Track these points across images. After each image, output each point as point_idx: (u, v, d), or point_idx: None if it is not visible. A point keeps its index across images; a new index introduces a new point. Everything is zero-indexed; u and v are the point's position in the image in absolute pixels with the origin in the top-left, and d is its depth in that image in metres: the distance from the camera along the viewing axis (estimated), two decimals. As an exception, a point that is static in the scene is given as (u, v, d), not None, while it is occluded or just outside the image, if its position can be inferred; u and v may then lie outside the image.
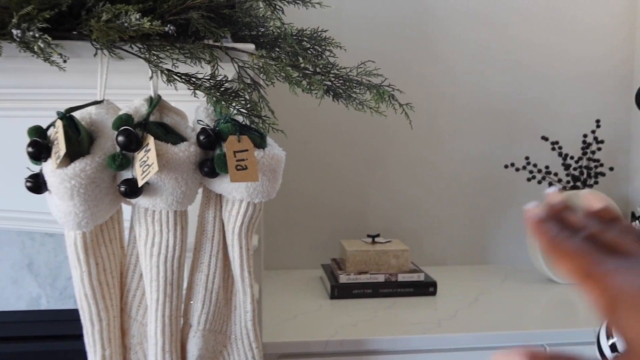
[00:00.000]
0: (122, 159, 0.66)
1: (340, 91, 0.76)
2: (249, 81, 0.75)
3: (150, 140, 0.66)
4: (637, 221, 1.39)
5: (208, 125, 0.71)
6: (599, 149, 1.44)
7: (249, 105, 0.71)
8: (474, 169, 1.57)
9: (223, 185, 0.72)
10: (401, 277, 1.32)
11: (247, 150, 0.69)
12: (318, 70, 0.76)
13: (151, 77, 0.70)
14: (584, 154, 1.43)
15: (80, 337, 0.94)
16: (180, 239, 0.73)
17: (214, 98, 0.69)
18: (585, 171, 1.42)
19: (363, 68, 0.74)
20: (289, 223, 1.53)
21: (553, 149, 1.43)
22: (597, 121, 1.44)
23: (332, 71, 0.76)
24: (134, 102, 0.72)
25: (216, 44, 0.74)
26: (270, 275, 1.48)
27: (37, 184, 0.68)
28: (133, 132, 0.66)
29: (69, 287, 0.95)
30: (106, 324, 0.75)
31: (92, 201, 0.67)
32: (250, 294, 0.78)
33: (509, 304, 1.25)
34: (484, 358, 1.09)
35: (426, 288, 1.32)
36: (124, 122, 0.67)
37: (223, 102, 0.69)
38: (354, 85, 0.75)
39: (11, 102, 0.85)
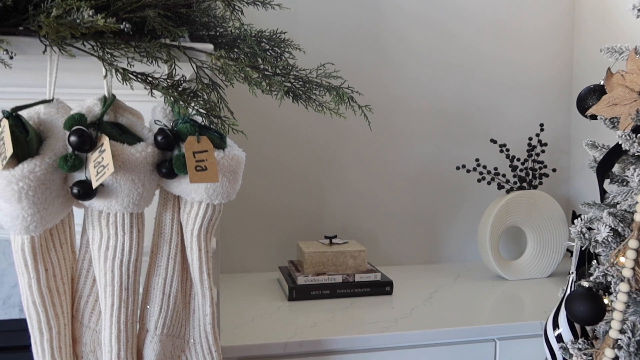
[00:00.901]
0: (75, 160, 0.64)
1: (300, 92, 0.76)
2: (207, 81, 0.74)
3: (105, 140, 0.64)
4: (577, 219, 1.47)
5: (166, 126, 0.69)
6: (543, 151, 1.52)
7: (207, 106, 0.70)
8: (427, 170, 1.61)
9: (182, 186, 0.71)
10: (358, 277, 1.33)
11: (206, 151, 0.68)
12: (278, 71, 0.76)
13: (105, 76, 0.68)
14: (529, 156, 1.50)
15: (26, 348, 0.90)
16: (137, 242, 0.71)
17: (171, 98, 0.68)
18: (530, 172, 1.49)
19: (323, 70, 0.74)
20: (245, 225, 1.52)
21: (501, 151, 1.48)
22: (541, 125, 1.51)
23: (291, 73, 0.76)
24: (86, 102, 0.70)
25: (173, 43, 0.72)
26: (227, 278, 1.46)
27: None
28: (86, 132, 0.64)
29: (13, 295, 0.90)
30: (56, 333, 0.71)
31: (41, 204, 0.65)
32: (210, 297, 0.77)
33: (462, 301, 1.29)
34: (439, 354, 1.11)
35: (383, 287, 1.34)
36: (76, 121, 0.64)
37: (181, 102, 0.68)
38: (314, 87, 0.75)
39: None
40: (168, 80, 0.71)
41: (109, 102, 0.70)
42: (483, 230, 1.46)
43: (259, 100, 0.84)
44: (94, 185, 0.63)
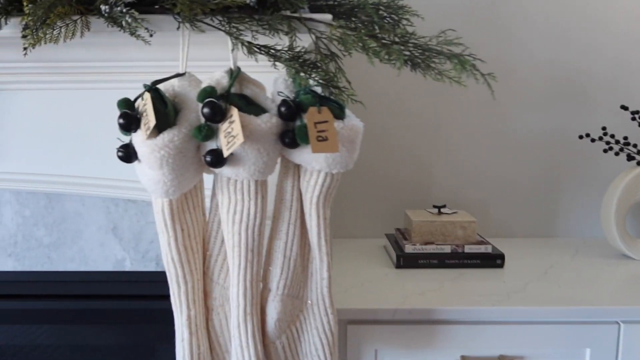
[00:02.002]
0: (208, 130, 0.68)
1: (419, 61, 0.74)
2: (325, 52, 0.75)
3: (234, 112, 0.67)
4: None
5: (288, 97, 0.72)
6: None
7: (327, 77, 0.71)
8: (544, 139, 1.51)
9: (303, 155, 0.73)
10: (468, 249, 1.31)
11: (327, 121, 0.69)
12: (397, 40, 0.74)
13: (232, 50, 0.71)
14: (668, 123, 1.34)
15: (160, 297, 1.00)
16: (261, 208, 0.75)
17: (293, 70, 0.70)
18: (668, 141, 1.34)
19: (443, 37, 0.72)
20: (353, 192, 1.54)
21: (633, 119, 1.35)
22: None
23: (410, 40, 0.74)
24: (214, 75, 0.74)
25: (294, 14, 0.74)
26: (336, 243, 1.50)
27: (127, 154, 0.72)
28: (217, 104, 0.68)
29: (151, 250, 1.00)
30: (191, 286, 0.79)
31: (179, 170, 0.70)
32: (327, 262, 0.80)
33: (581, 279, 1.22)
34: (555, 333, 1.07)
35: (493, 260, 1.30)
36: (208, 94, 0.69)
37: (303, 74, 0.70)
38: (434, 55, 0.73)
39: (97, 74, 0.90)
40: (289, 52, 0.73)
41: (235, 74, 0.73)
42: (608, 204, 1.35)
43: (367, 70, 0.84)
44: (225, 154, 0.67)
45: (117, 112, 0.76)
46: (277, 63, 0.72)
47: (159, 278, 1.00)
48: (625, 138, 1.36)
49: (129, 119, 0.70)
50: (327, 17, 0.75)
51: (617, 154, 1.36)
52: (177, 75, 0.75)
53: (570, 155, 1.52)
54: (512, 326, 1.07)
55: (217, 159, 0.69)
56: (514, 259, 1.34)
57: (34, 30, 0.69)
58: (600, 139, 1.37)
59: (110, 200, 0.99)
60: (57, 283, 1.01)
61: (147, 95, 0.69)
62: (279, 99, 0.73)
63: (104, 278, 1.01)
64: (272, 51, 0.72)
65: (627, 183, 1.32)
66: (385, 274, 1.26)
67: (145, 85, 0.72)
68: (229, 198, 0.75)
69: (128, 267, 1.01)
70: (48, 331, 1.03)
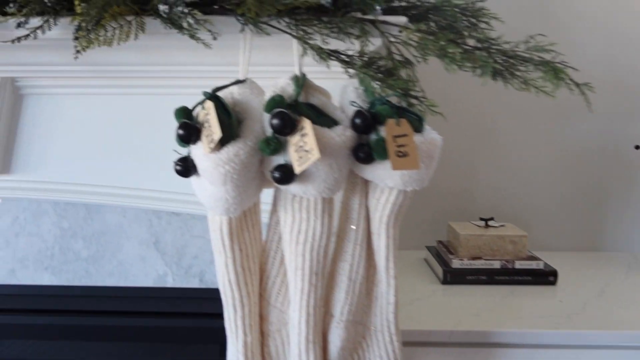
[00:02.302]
0: (277, 144, 0.62)
1: (502, 69, 0.68)
2: (399, 58, 0.69)
3: (307, 123, 0.61)
4: None
5: (361, 107, 0.65)
6: None
7: (405, 85, 0.65)
8: (596, 148, 1.44)
9: (376, 171, 0.67)
10: (518, 265, 1.24)
11: (406, 135, 0.63)
12: (479, 45, 0.68)
13: (303, 55, 0.65)
14: None
15: (203, 315, 0.94)
16: (327, 227, 0.69)
17: (369, 77, 0.63)
18: None
19: (533, 43, 0.65)
20: (392, 202, 1.47)
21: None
22: None
23: (493, 46, 0.68)
24: (278, 82, 0.68)
25: (367, 17, 0.68)
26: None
27: (185, 168, 0.66)
28: (288, 115, 0.62)
29: (194, 266, 0.95)
30: (248, 311, 0.73)
31: (242, 186, 0.64)
32: (394, 286, 0.74)
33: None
34: (619, 357, 1.00)
35: (545, 277, 1.23)
36: (277, 103, 0.63)
37: (379, 82, 0.63)
38: (519, 62, 0.67)
39: (145, 79, 0.84)
40: (362, 58, 0.66)
41: (302, 81, 0.67)
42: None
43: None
44: (297, 170, 0.61)
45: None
46: (349, 70, 0.65)
47: (203, 295, 0.95)
48: (686, 149, 1.28)
49: (189, 130, 0.64)
50: (402, 19, 0.69)
51: (676, 165, 1.28)
52: (237, 82, 0.69)
53: (622, 165, 1.44)
54: (574, 350, 1.00)
55: (286, 176, 0.63)
56: (565, 275, 1.26)
57: (87, 32, 0.63)
58: (659, 149, 1.29)
59: (153, 213, 0.94)
60: (95, 298, 0.96)
61: (210, 105, 0.63)
62: (350, 109, 0.67)
63: (144, 294, 0.95)
64: (343, 57, 0.66)
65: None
66: (433, 290, 1.19)
67: (205, 93, 0.66)
68: (293, 216, 0.69)
69: (170, 283, 0.95)
70: (85, 349, 0.97)
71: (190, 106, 0.67)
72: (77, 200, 0.91)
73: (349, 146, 0.64)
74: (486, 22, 0.72)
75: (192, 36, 0.65)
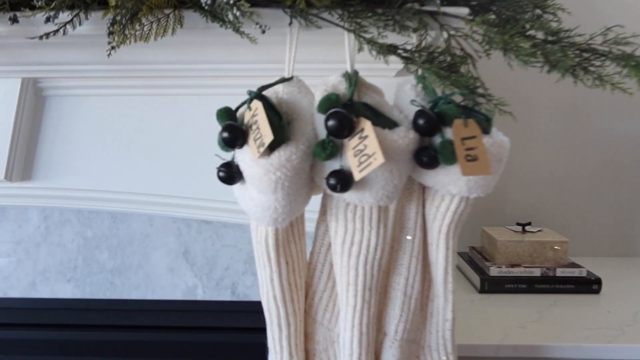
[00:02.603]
0: (333, 147, 0.57)
1: (574, 64, 0.62)
2: (459, 52, 0.63)
3: (367, 125, 0.55)
4: None
5: (423, 107, 0.59)
6: None
7: (469, 83, 0.59)
8: (635, 149, 1.37)
9: (438, 177, 0.61)
10: (560, 272, 1.17)
11: (474, 136, 0.57)
12: (549, 39, 0.62)
13: (360, 49, 0.59)
14: None
15: (235, 330, 0.88)
16: (383, 239, 0.63)
17: (433, 74, 0.57)
18: None
19: (611, 35, 0.59)
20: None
21: None
22: None
23: (564, 39, 0.62)
24: (328, 79, 0.62)
25: (425, 8, 0.62)
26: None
27: (230, 174, 0.60)
28: (347, 116, 0.56)
29: (226, 277, 0.89)
30: (294, 330, 0.67)
31: (293, 195, 0.59)
32: (452, 301, 0.68)
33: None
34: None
35: (589, 285, 1.17)
36: (333, 103, 0.57)
37: (444, 79, 0.57)
38: (595, 56, 0.61)
39: (175, 78, 0.78)
40: (422, 53, 0.61)
41: (355, 79, 0.61)
42: None
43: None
44: (357, 177, 0.55)
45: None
46: (409, 66, 0.60)
47: (235, 308, 0.89)
48: None
49: (235, 133, 0.58)
50: (464, 11, 0.63)
51: None
52: (283, 80, 0.63)
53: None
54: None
55: (343, 183, 0.57)
56: (607, 282, 1.20)
57: (122, 26, 0.57)
58: None
59: (182, 221, 0.88)
60: (121, 312, 0.90)
61: (258, 105, 0.57)
62: (409, 109, 0.61)
63: (173, 307, 0.90)
64: (402, 52, 0.60)
65: None
66: (471, 300, 1.13)
67: (250, 92, 0.60)
68: (345, 226, 0.63)
69: (200, 295, 0.89)
70: (110, 366, 0.92)
71: (232, 107, 0.62)
72: (101, 208, 0.85)
73: (411, 150, 0.58)
74: (552, 14, 0.66)
75: (237, 30, 0.60)
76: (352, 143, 0.56)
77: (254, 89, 0.61)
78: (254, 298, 0.89)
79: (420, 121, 0.58)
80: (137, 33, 0.58)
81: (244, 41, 0.70)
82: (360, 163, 0.55)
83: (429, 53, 0.60)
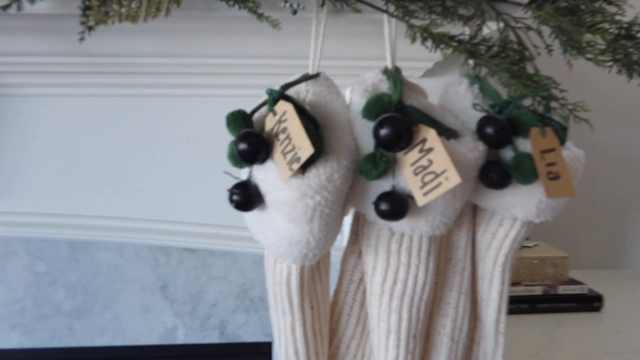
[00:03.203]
0: (387, 163, 0.44)
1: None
2: (517, 47, 0.53)
3: (430, 134, 0.43)
4: None
5: (489, 112, 0.48)
6: None
7: (542, 84, 0.48)
8: (621, 159, 1.34)
9: (504, 198, 0.50)
10: (562, 290, 1.11)
11: (554, 149, 0.46)
12: (622, 32, 0.53)
13: (414, 40, 0.47)
14: None
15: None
16: (432, 275, 0.51)
17: (504, 72, 0.46)
18: None
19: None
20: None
21: None
22: None
23: (638, 34, 0.53)
24: (366, 77, 0.50)
25: (482, -7, 0.51)
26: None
27: (247, 199, 0.46)
28: (406, 123, 0.43)
29: (213, 315, 0.74)
30: (319, 389, 0.54)
31: (331, 224, 0.46)
32: (504, 344, 0.57)
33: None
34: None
35: (590, 303, 1.11)
36: (385, 106, 0.44)
37: (518, 79, 0.47)
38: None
39: (155, 76, 0.63)
40: (482, 46, 0.50)
41: (399, 77, 0.49)
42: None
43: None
44: (421, 201, 0.43)
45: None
46: (471, 61, 0.48)
47: (225, 352, 0.75)
48: None
49: (256, 144, 0.44)
50: (524, -1, 0.53)
51: None
52: (307, 77, 0.50)
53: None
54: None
55: (399, 209, 0.44)
56: (605, 297, 1.15)
57: (102, 1, 0.42)
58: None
59: (160, 250, 0.72)
60: (81, 364, 0.73)
61: (288, 108, 0.44)
62: (467, 115, 0.50)
63: (147, 354, 0.74)
64: (462, 44, 0.48)
65: None
66: (475, 324, 1.04)
67: (271, 92, 0.47)
68: (387, 261, 0.50)
69: (181, 338, 0.74)
70: None
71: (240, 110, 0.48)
72: (57, 236, 0.69)
73: (479, 165, 0.47)
74: (617, 5, 0.57)
75: (254, 12, 0.46)
76: (409, 158, 0.44)
77: (263, 89, 0.48)
78: (247, 339, 0.74)
79: (489, 130, 0.47)
80: (123, 10, 0.43)
81: (248, 30, 0.57)
82: (425, 184, 0.43)
83: (489, 47, 0.49)
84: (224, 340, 0.74)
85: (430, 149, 0.43)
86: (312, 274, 0.51)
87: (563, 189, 0.46)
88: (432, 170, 0.43)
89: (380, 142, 0.44)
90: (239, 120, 0.46)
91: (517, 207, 0.50)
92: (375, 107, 0.44)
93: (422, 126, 0.44)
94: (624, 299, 1.17)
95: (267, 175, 0.45)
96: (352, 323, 0.56)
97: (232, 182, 0.47)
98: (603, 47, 0.51)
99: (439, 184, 0.42)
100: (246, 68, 0.59)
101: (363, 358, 0.57)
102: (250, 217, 0.49)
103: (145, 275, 0.72)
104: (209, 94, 0.61)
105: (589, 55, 0.52)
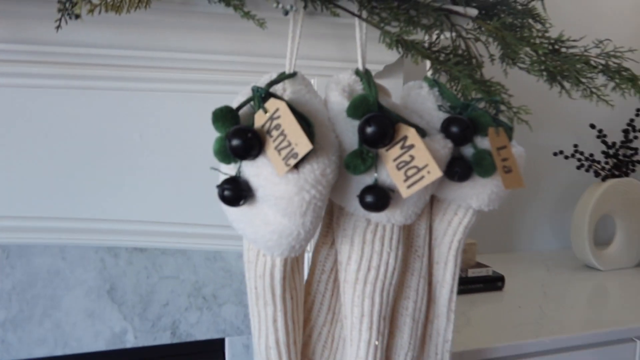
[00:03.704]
0: (372, 159, 0.48)
1: (567, 74, 0.62)
2: (465, 54, 0.59)
3: (411, 132, 0.48)
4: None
5: (451, 112, 0.54)
6: (636, 137, 1.46)
7: (493, 88, 0.55)
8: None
9: (462, 190, 0.56)
10: (471, 273, 1.23)
11: (505, 147, 0.53)
12: (551, 47, 0.62)
13: (391, 45, 0.51)
14: (625, 142, 1.43)
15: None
16: (400, 261, 0.56)
17: (466, 77, 0.52)
18: (625, 159, 1.43)
19: (608, 48, 0.61)
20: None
21: (598, 137, 1.41)
22: (638, 110, 1.45)
23: (562, 48, 0.62)
24: (340, 77, 0.54)
25: (443, 5, 0.57)
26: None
27: (238, 193, 0.47)
28: (389, 122, 0.47)
29: (165, 316, 0.72)
30: (295, 377, 0.56)
31: (319, 217, 0.48)
32: (453, 321, 0.63)
33: (583, 297, 1.22)
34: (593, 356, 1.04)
35: (494, 283, 1.24)
36: (369, 106, 0.48)
37: (478, 85, 0.53)
38: (586, 68, 0.62)
39: (112, 68, 0.60)
40: (443, 53, 0.55)
41: (371, 79, 0.53)
42: (580, 218, 1.39)
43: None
44: (405, 193, 0.47)
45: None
46: (437, 67, 0.54)
47: (177, 352, 0.74)
48: (592, 155, 1.42)
49: (250, 141, 0.45)
50: (473, 12, 0.59)
51: (587, 170, 1.41)
52: (285, 76, 0.52)
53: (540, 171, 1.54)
54: (551, 356, 1.02)
55: (382, 201, 0.48)
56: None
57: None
58: (573, 155, 1.41)
59: (107, 251, 0.69)
60: (16, 379, 0.67)
61: (281, 105, 0.46)
62: (430, 116, 0.55)
63: (93, 362, 0.70)
64: (426, 50, 0.54)
65: (598, 197, 1.38)
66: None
67: (256, 90, 0.48)
68: (362, 250, 0.54)
69: (131, 342, 0.71)
70: None
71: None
72: (-12, 240, 0.63)
73: (447, 160, 0.52)
74: (542, 23, 0.66)
75: (242, 10, 0.47)
76: (391, 154, 0.48)
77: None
78: (199, 337, 0.74)
79: (454, 129, 0.52)
80: (109, 0, 0.41)
81: (221, 27, 0.57)
82: (408, 177, 0.47)
83: (448, 54, 0.55)
84: (175, 341, 0.73)
85: (411, 146, 0.48)
86: (292, 265, 0.53)
87: (515, 181, 0.53)
88: (414, 165, 0.47)
89: (365, 139, 0.47)
90: (228, 117, 0.46)
91: (473, 198, 0.56)
92: (362, 107, 0.48)
93: (402, 125, 0.48)
94: (520, 278, 1.33)
95: (260, 171, 0.46)
96: (323, 311, 0.59)
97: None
98: (535, 59, 0.59)
99: (422, 177, 0.47)
100: (216, 64, 0.59)
101: (333, 343, 0.60)
102: (236, 213, 0.50)
103: (90, 279, 0.68)
104: (171, 89, 0.59)
105: (522, 65, 0.60)
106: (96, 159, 0.63)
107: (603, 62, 0.61)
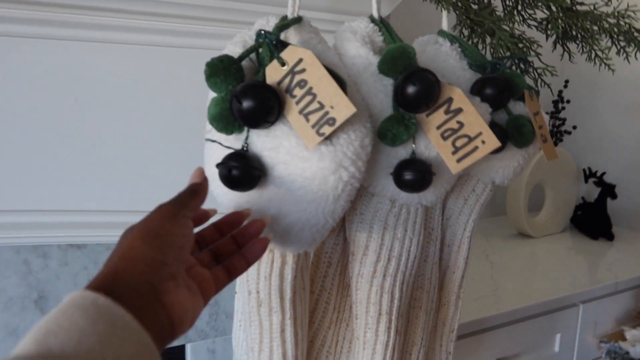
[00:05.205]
0: (415, 125, 0.38)
1: (578, 35, 0.57)
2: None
3: (457, 93, 0.39)
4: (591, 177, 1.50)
5: (485, 73, 0.46)
6: (564, 108, 1.50)
7: (521, 44, 0.48)
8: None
9: (490, 162, 0.48)
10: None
11: (538, 112, 0.47)
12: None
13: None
14: (554, 112, 1.47)
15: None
16: (421, 248, 0.48)
17: (507, 37, 0.45)
18: (553, 129, 1.47)
19: (619, 6, 0.56)
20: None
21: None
22: (566, 81, 1.49)
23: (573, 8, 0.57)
24: (354, 26, 0.43)
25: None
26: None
27: (249, 173, 0.35)
28: (436, 80, 0.38)
29: (111, 326, 0.58)
30: (302, 392, 0.46)
31: (350, 203, 0.38)
32: (460, 308, 0.57)
33: (524, 264, 1.25)
34: (538, 324, 1.06)
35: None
36: (410, 60, 0.38)
37: (508, 37, 0.45)
38: (597, 31, 0.57)
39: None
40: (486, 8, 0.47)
41: (390, 27, 0.44)
42: (516, 188, 1.42)
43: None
44: (455, 168, 0.39)
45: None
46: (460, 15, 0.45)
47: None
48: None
49: (269, 101, 0.34)
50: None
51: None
52: (287, 21, 0.41)
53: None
54: (508, 327, 1.02)
55: (425, 178, 0.39)
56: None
57: None
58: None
59: (32, 250, 0.53)
60: None
61: (308, 55, 0.34)
62: (454, 75, 0.46)
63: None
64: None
65: (532, 167, 1.41)
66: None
67: (264, 35, 0.36)
68: (382, 237, 0.45)
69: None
70: None
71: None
72: None
73: (486, 129, 0.44)
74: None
75: None
76: (434, 120, 0.39)
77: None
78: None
79: (490, 90, 0.44)
80: None
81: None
82: (457, 149, 0.38)
83: (481, 4, 0.47)
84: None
85: (458, 110, 0.39)
86: (302, 262, 0.43)
87: (552, 152, 0.46)
88: (464, 134, 0.39)
89: (407, 101, 0.38)
90: (231, 70, 0.34)
91: (499, 171, 0.49)
92: (402, 61, 0.38)
93: (446, 84, 0.39)
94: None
95: (279, 143, 0.35)
96: (329, 311, 0.50)
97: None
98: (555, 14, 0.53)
99: (475, 148, 0.38)
100: (189, 10, 0.45)
101: (337, 346, 0.51)
102: (238, 199, 0.38)
103: (10, 287, 0.52)
104: (117, 39, 0.45)
105: (531, 22, 0.54)
106: (17, 126, 0.47)
107: (613, 21, 0.56)
